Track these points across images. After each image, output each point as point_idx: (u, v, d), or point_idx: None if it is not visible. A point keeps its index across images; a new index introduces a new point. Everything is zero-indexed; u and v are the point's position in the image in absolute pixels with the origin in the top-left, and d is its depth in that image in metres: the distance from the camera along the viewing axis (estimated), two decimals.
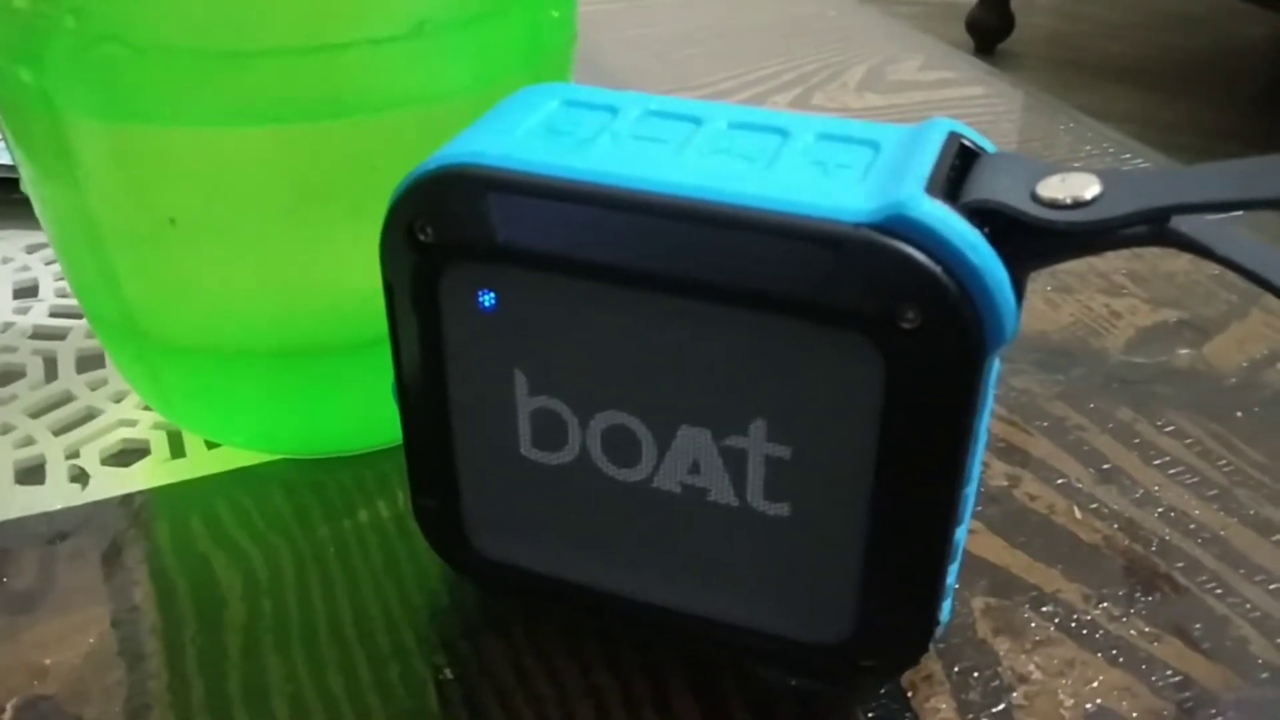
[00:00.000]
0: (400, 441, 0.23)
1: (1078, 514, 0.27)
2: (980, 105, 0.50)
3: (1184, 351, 0.33)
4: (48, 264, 0.38)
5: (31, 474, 0.29)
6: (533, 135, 0.20)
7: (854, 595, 0.20)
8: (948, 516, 0.19)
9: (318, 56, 0.22)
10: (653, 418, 0.20)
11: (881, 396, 0.18)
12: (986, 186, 0.19)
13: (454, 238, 0.20)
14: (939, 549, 0.20)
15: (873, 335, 0.18)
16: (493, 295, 0.20)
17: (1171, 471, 0.29)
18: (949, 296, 0.17)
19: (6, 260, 0.39)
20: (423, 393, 0.22)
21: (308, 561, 0.26)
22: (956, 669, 0.23)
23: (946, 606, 0.21)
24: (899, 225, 0.17)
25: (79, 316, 0.35)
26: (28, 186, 0.26)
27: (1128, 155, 0.45)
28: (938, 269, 0.17)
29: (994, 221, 0.18)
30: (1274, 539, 0.27)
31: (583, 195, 0.19)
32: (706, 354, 0.19)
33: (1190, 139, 1.73)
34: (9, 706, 0.23)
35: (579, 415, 0.21)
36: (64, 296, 0.37)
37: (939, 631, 0.21)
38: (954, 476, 0.19)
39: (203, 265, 0.24)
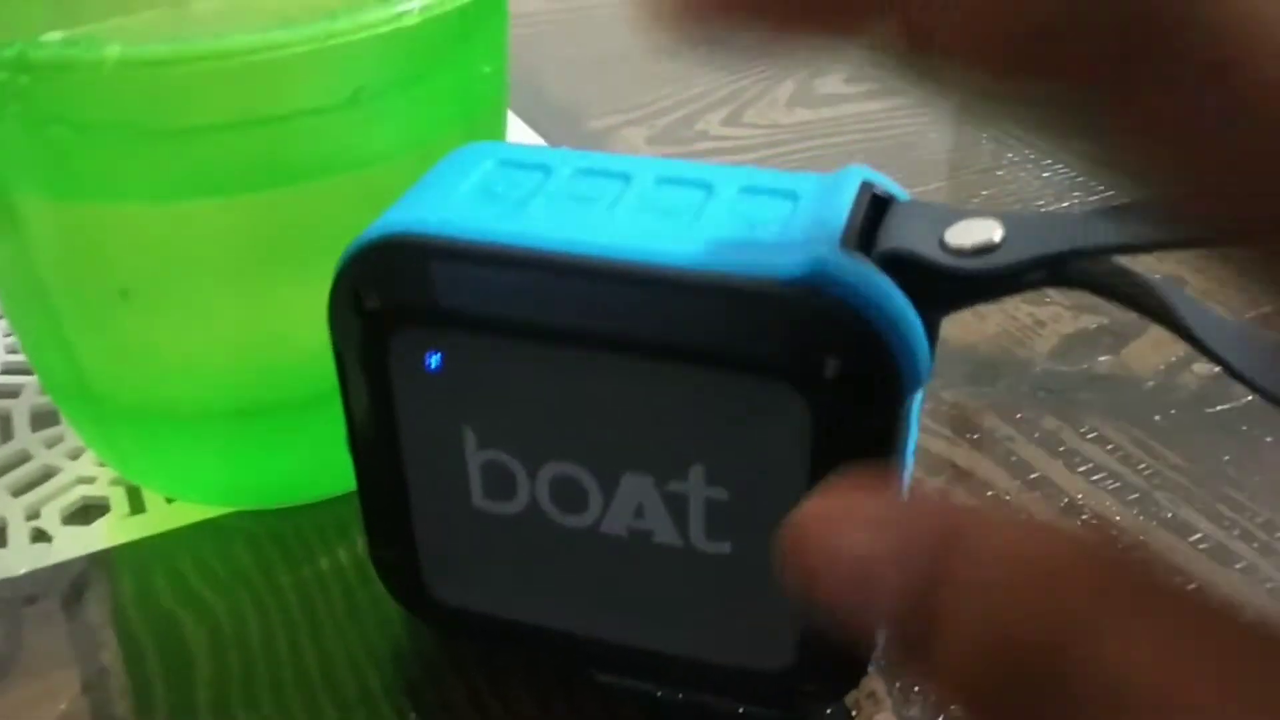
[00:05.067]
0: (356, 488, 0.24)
1: None
2: (906, 116, 0.51)
3: (1104, 358, 0.35)
4: None
5: None
6: (471, 199, 0.21)
7: (795, 626, 0.22)
8: None
9: (258, 129, 0.22)
10: (597, 467, 0.21)
11: (810, 439, 0.20)
12: (898, 235, 0.20)
13: (399, 303, 0.21)
14: None
15: (798, 384, 0.19)
16: (439, 356, 0.21)
17: (1094, 478, 0.30)
18: (867, 346, 0.18)
19: None
20: (376, 450, 0.23)
21: (272, 612, 0.27)
22: (898, 685, 0.25)
23: None
24: (819, 280, 0.18)
25: (30, 372, 0.36)
26: None
27: (1048, 162, 0.46)
28: (856, 321, 0.18)
29: (906, 269, 0.19)
30: (1191, 539, 0.28)
31: (520, 260, 0.20)
32: (645, 406, 0.20)
33: None
34: None
35: (527, 467, 0.22)
36: (14, 353, 0.37)
37: (877, 653, 0.22)
38: None
39: (156, 332, 0.25)
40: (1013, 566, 0.11)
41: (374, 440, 0.23)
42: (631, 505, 0.21)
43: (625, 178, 0.22)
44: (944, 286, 0.19)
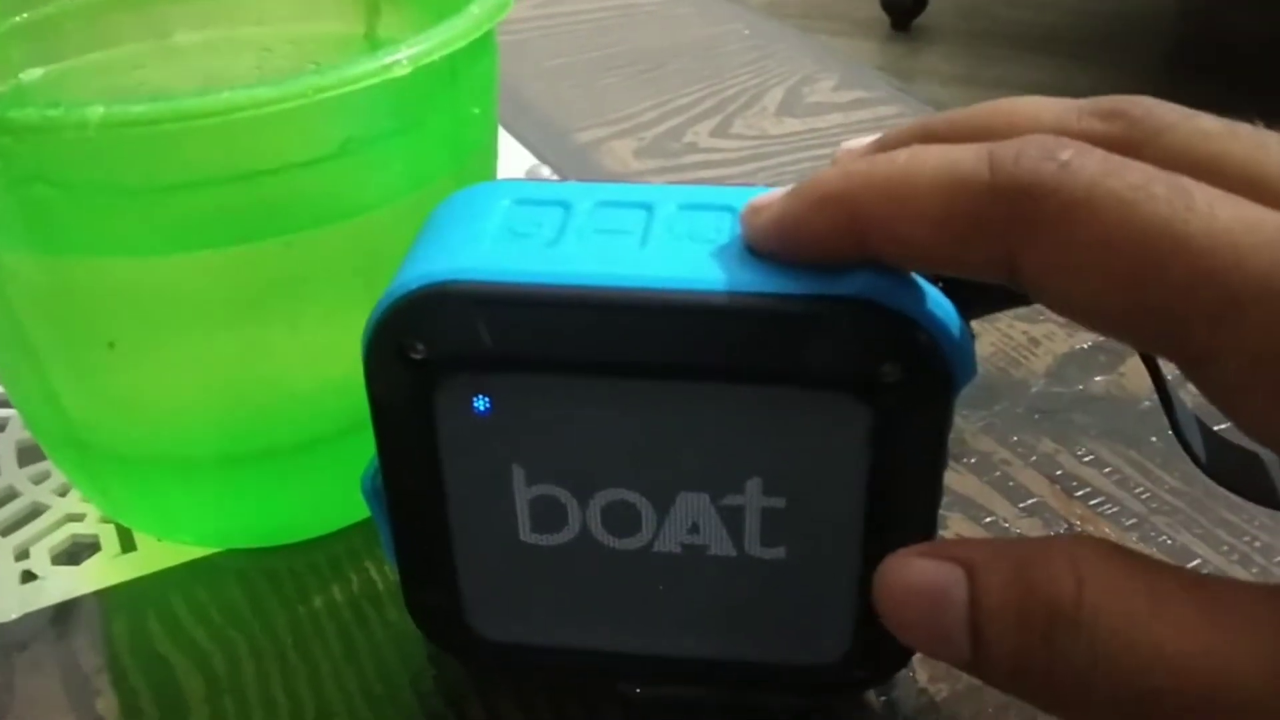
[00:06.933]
0: (351, 522, 0.23)
1: None
2: (894, 125, 0.51)
3: (1099, 378, 0.35)
4: None
5: None
6: (500, 242, 0.21)
7: (850, 616, 0.22)
8: (930, 535, 0.21)
9: (246, 183, 0.22)
10: (652, 490, 0.21)
11: (868, 442, 0.20)
12: None
13: (446, 352, 0.20)
14: None
15: (859, 392, 0.20)
16: (487, 400, 0.21)
17: (1093, 503, 0.30)
18: (923, 351, 0.19)
19: None
20: (416, 497, 0.22)
21: (267, 655, 0.27)
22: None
23: None
24: (873, 293, 0.19)
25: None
26: None
27: None
28: (912, 328, 0.19)
29: (941, 275, 0.20)
30: (1190, 565, 0.28)
31: (570, 300, 0.20)
32: (701, 428, 0.21)
33: None
34: None
35: (578, 498, 0.22)
36: None
37: None
38: (934, 498, 0.21)
39: (143, 381, 0.25)
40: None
41: (415, 488, 0.22)
42: (686, 523, 0.22)
43: (647, 207, 0.21)
44: (976, 291, 0.20)
